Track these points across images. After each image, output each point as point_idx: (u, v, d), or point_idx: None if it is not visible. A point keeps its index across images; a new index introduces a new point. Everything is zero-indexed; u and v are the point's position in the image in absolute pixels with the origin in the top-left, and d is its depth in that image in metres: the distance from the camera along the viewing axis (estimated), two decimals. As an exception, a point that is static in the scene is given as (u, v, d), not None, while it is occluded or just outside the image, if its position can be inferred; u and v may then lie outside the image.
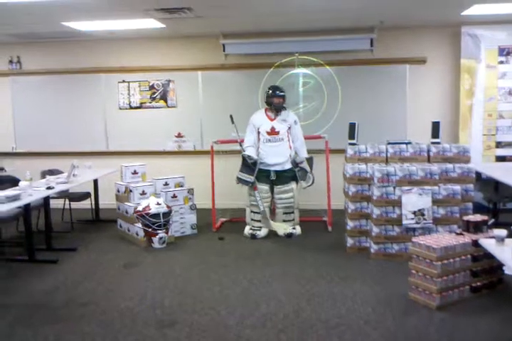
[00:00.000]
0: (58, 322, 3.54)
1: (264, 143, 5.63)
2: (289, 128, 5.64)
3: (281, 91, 5.63)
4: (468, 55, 6.49)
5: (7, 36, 6.76)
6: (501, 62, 6.46)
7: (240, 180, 5.61)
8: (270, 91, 5.63)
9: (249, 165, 5.56)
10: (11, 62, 7.44)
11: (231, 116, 5.82)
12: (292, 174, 5.64)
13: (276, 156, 5.59)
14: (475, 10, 5.61)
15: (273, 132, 5.61)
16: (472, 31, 6.44)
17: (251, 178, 5.54)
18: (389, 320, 3.49)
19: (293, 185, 5.65)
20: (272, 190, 5.67)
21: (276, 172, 5.60)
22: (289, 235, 5.59)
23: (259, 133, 5.65)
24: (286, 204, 5.63)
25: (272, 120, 5.63)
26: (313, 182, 5.64)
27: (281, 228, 5.63)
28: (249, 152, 5.62)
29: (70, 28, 6.20)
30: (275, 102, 5.59)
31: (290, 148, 5.65)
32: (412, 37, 6.78)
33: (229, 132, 6.33)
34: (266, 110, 5.72)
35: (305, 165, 5.62)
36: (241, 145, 5.75)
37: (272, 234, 5.67)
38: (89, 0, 4.78)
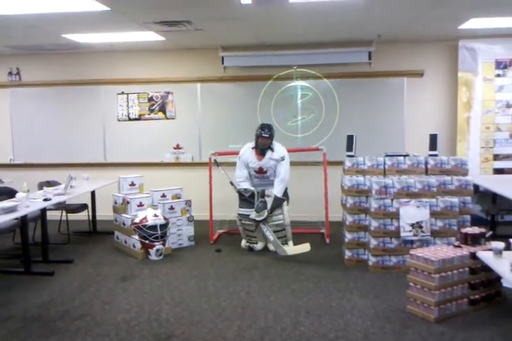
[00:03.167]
0: (54, 335, 3.50)
1: (253, 179, 5.67)
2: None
3: (268, 132, 5.43)
4: (465, 68, 6.54)
5: (7, 48, 6.80)
6: (498, 75, 6.50)
7: (242, 216, 5.53)
8: (258, 130, 5.46)
9: (246, 198, 5.50)
10: (10, 73, 7.47)
11: (216, 161, 5.90)
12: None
13: (262, 186, 5.59)
14: (472, 24, 5.67)
15: (261, 172, 5.58)
16: (469, 45, 6.49)
17: (252, 211, 5.41)
18: (387, 333, 3.47)
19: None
20: None
21: None
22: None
23: (248, 167, 5.60)
24: (276, 222, 5.48)
25: (260, 160, 5.54)
26: (262, 221, 5.36)
27: (302, 249, 5.34)
28: (244, 185, 5.57)
29: (69, 40, 6.24)
30: (260, 143, 5.49)
31: None
32: (410, 50, 6.83)
33: (227, 144, 6.35)
34: (256, 147, 5.57)
35: (269, 201, 5.41)
36: (232, 184, 5.71)
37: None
38: (89, 12, 4.82)
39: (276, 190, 5.45)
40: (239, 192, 5.59)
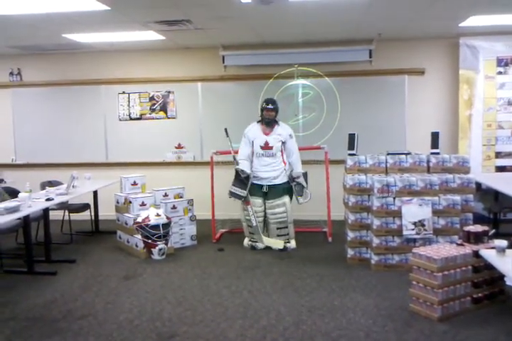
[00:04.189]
0: (57, 335, 3.51)
1: (257, 158, 5.58)
2: (284, 142, 5.55)
3: (272, 104, 5.51)
4: (466, 65, 6.52)
5: (8, 48, 6.81)
6: (500, 73, 6.49)
7: (232, 194, 5.52)
8: (263, 104, 5.58)
9: (242, 179, 5.48)
10: (11, 74, 7.48)
11: (226, 130, 5.82)
12: (285, 188, 5.55)
13: (268, 171, 5.53)
14: (472, 21, 5.66)
15: (267, 147, 5.54)
16: (470, 42, 6.48)
17: (243, 192, 5.45)
18: (390, 332, 3.46)
19: (286, 199, 5.53)
20: (265, 204, 5.57)
21: (269, 185, 5.55)
22: (283, 249, 5.50)
23: (253, 146, 5.58)
24: (280, 220, 5.50)
25: (266, 134, 5.56)
26: (310, 198, 5.52)
27: (275, 244, 5.51)
28: (243, 166, 5.54)
29: (70, 39, 6.24)
30: (265, 115, 5.53)
31: (284, 163, 5.58)
32: (411, 48, 6.82)
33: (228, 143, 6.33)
34: (262, 121, 5.62)
35: (301, 180, 5.48)
36: (235, 158, 5.68)
37: (272, 245, 5.66)
38: (89, 12, 4.82)
39: (298, 168, 5.59)
40: (236, 171, 5.56)
